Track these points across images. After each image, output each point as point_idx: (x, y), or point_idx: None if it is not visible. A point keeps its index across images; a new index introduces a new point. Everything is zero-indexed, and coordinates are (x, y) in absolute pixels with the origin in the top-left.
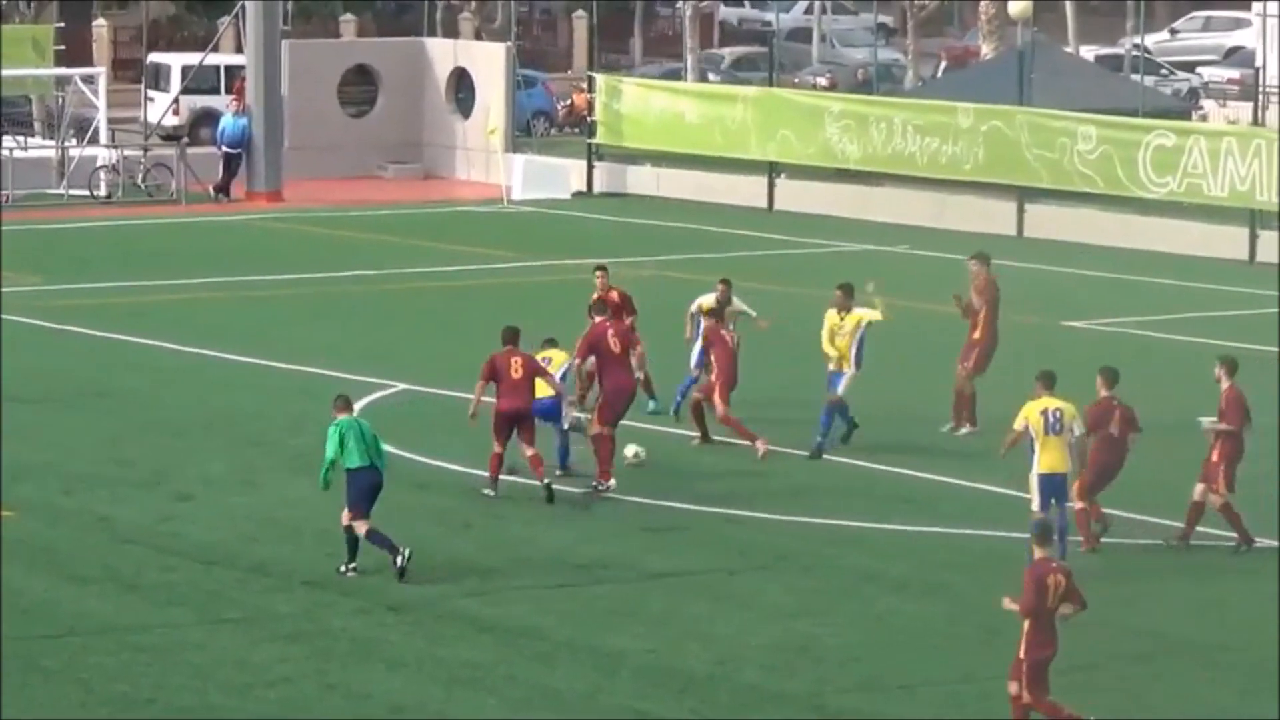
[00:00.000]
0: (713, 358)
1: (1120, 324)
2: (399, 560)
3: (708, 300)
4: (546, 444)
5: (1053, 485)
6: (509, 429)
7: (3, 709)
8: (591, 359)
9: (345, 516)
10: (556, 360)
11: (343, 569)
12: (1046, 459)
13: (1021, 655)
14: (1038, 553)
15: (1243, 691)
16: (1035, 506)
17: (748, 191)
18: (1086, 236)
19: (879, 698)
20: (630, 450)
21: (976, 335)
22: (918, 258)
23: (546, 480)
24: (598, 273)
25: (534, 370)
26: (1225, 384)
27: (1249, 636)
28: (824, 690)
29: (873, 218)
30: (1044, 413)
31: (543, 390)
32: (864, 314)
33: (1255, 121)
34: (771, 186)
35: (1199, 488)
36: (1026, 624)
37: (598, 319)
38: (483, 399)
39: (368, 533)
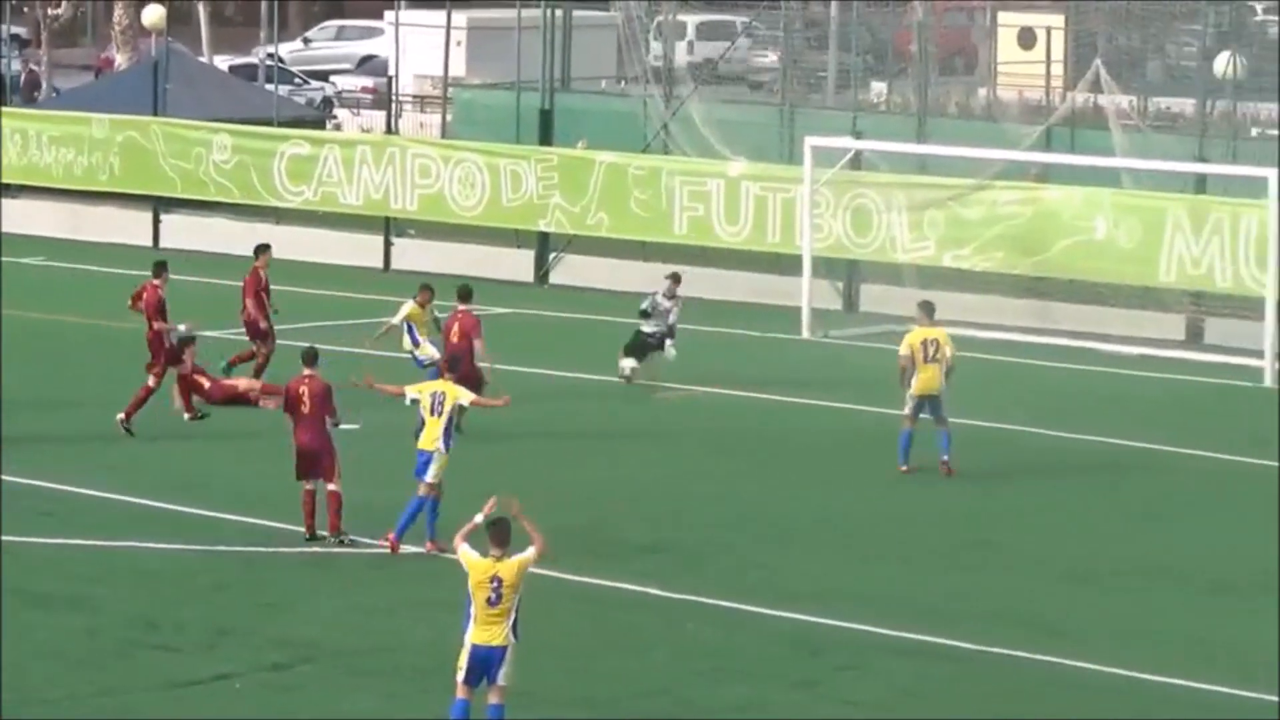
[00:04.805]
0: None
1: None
2: None
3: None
4: None
5: None
6: None
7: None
8: None
9: None
10: None
11: None
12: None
13: None
14: None
15: (390, 695)
16: None
17: None
18: (223, 245)
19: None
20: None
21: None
22: (53, 269)
23: None
24: None
25: None
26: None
27: (392, 641)
28: None
29: (7, 230)
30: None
31: None
32: None
33: (389, 129)
34: None
35: None
36: None
37: None
38: None
39: None
